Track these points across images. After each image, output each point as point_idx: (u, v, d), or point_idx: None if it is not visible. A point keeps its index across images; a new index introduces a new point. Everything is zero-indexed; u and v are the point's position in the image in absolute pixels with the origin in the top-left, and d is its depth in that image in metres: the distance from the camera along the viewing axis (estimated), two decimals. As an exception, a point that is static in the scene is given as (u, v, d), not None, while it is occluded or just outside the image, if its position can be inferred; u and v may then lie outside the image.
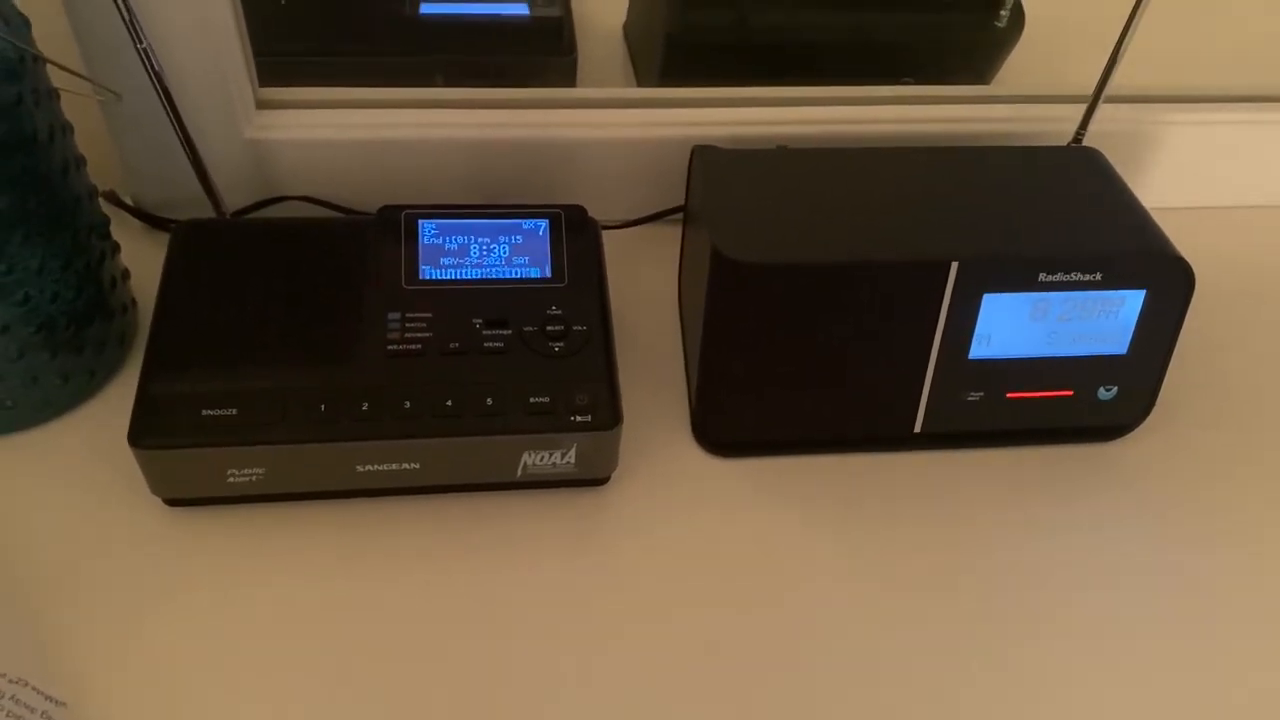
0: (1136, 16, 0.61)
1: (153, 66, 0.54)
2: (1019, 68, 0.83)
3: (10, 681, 0.47)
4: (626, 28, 0.85)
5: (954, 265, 0.57)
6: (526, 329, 0.58)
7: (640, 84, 0.82)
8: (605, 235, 0.63)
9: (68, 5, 0.57)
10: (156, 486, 0.55)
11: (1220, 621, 0.57)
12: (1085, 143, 0.69)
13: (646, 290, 0.71)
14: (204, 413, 0.53)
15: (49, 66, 0.52)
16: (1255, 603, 0.58)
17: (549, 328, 0.58)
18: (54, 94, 0.53)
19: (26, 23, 0.51)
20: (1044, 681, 0.53)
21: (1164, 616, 0.57)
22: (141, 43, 0.53)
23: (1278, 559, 0.60)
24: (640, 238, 0.73)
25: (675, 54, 0.73)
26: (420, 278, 0.59)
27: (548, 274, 0.61)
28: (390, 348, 0.56)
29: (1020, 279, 0.58)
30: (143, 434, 0.52)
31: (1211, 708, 0.53)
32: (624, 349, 0.66)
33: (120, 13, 0.52)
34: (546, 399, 0.56)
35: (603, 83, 0.83)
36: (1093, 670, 0.54)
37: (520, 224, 0.62)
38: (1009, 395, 0.62)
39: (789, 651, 0.54)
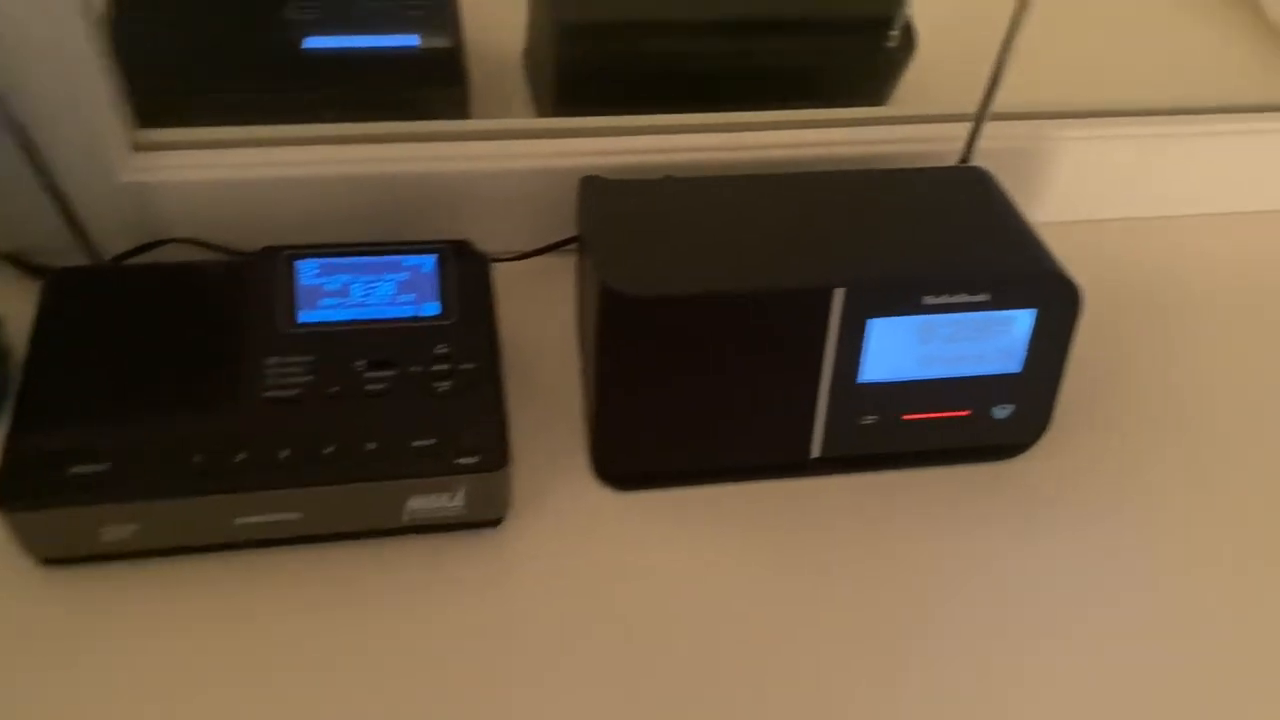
0: (1012, 37, 0.61)
1: (8, 114, 0.52)
2: (916, 88, 0.83)
3: None
4: (525, 55, 0.84)
5: (838, 292, 0.57)
6: (412, 369, 0.57)
7: (538, 113, 0.81)
8: (501, 268, 0.63)
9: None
10: (29, 547, 0.53)
11: (1121, 629, 0.57)
12: (975, 162, 0.69)
13: (546, 323, 0.70)
14: (72, 470, 0.51)
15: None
16: (1153, 611, 0.58)
17: (435, 367, 0.57)
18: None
19: None
20: (954, 698, 0.53)
21: (1067, 628, 0.57)
22: (-6, 90, 0.52)
23: (1175, 567, 0.60)
24: (538, 270, 0.72)
25: (567, 83, 0.73)
26: (299, 320, 0.58)
27: (435, 311, 0.59)
28: (267, 394, 0.55)
29: (904, 303, 0.58)
30: (8, 495, 0.50)
31: (1120, 716, 0.53)
32: (521, 384, 0.66)
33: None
34: (432, 441, 0.55)
35: (502, 112, 0.82)
36: (1001, 684, 0.54)
37: (404, 260, 0.61)
38: (904, 417, 0.62)
39: (696, 686, 0.53)
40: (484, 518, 0.58)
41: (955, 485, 0.64)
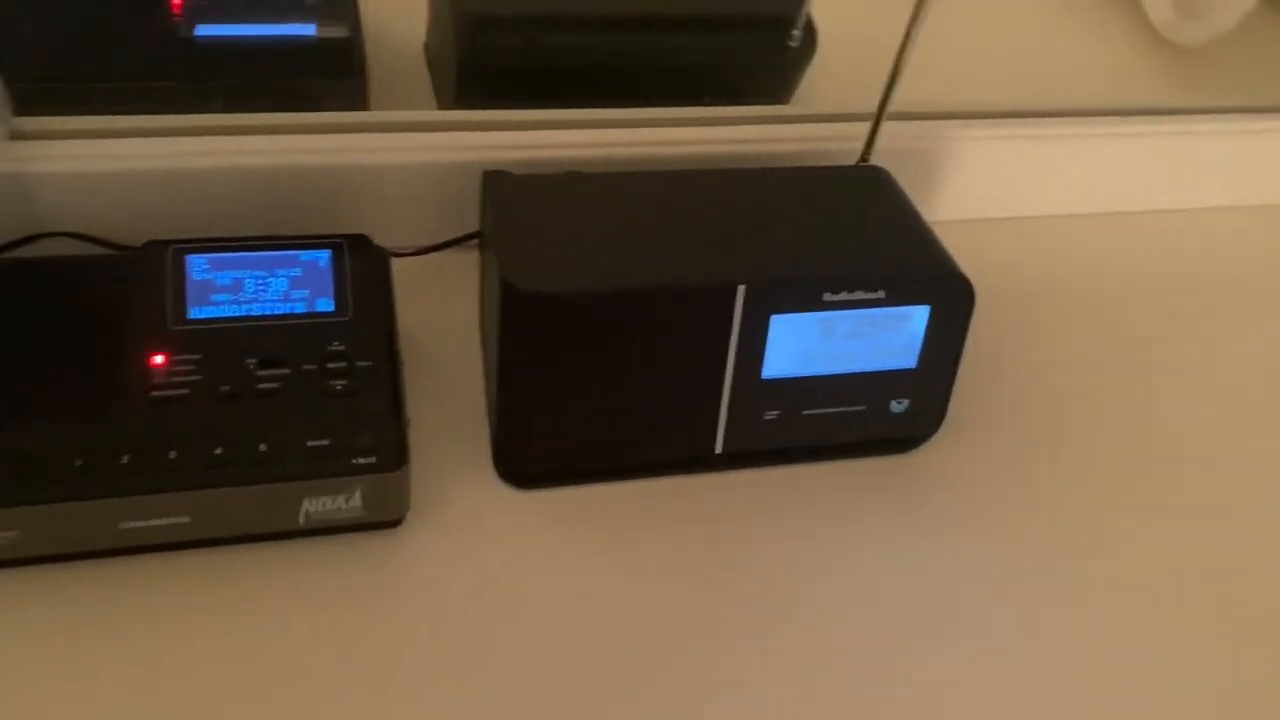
0: (909, 39, 0.62)
1: None
2: (818, 88, 0.84)
3: None
4: (426, 47, 0.83)
5: (741, 288, 0.57)
6: (306, 367, 0.55)
7: (440, 105, 0.80)
8: (401, 264, 0.62)
9: None
10: (-107, 557, 0.50)
11: (1018, 619, 0.58)
12: (874, 161, 0.70)
13: (447, 319, 0.69)
14: (-57, 475, 0.49)
15: None
16: (1048, 598, 0.60)
17: (330, 365, 0.56)
18: None
19: None
20: (858, 692, 0.54)
21: (965, 618, 0.58)
22: None
23: (1069, 555, 0.62)
24: (438, 265, 0.71)
25: (470, 76, 0.72)
26: (189, 317, 0.56)
27: (330, 308, 0.58)
28: (154, 394, 0.53)
29: (806, 299, 0.58)
30: None
31: (1018, 706, 0.55)
32: (423, 381, 0.65)
33: None
34: (326, 441, 0.53)
35: (402, 105, 0.80)
36: (902, 674, 0.55)
37: (299, 255, 0.59)
38: (805, 412, 0.62)
39: (601, 687, 0.53)
40: (382, 519, 0.56)
41: (853, 478, 0.65)
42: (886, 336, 0.61)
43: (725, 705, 0.53)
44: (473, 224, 0.71)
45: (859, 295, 0.59)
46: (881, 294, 0.59)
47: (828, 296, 0.58)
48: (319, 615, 0.54)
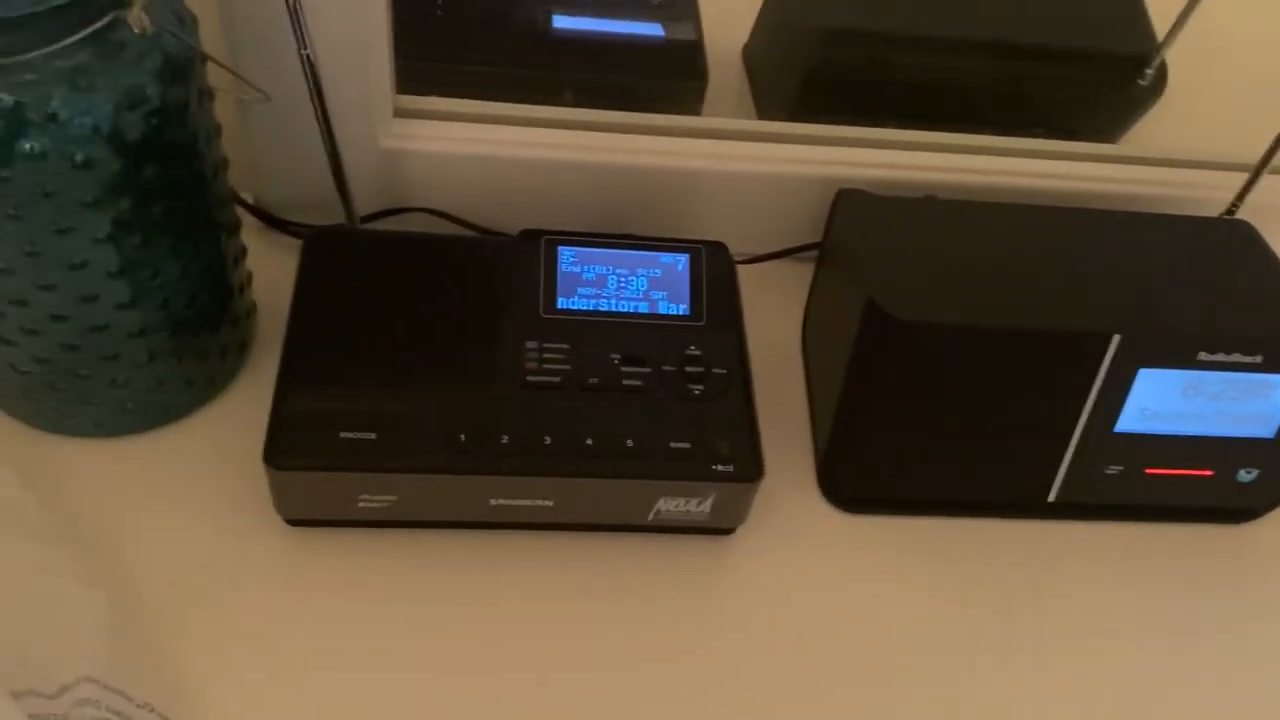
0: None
1: (313, 73, 0.52)
2: (1142, 130, 0.81)
3: (138, 706, 0.46)
4: (747, 52, 0.83)
5: (1115, 338, 0.55)
6: (665, 368, 0.56)
7: (760, 111, 0.80)
8: (731, 270, 0.62)
9: (223, 3, 0.56)
10: (282, 506, 0.53)
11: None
12: (1236, 215, 0.67)
13: (765, 328, 0.69)
14: (342, 435, 0.51)
15: (208, 66, 0.51)
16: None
17: (688, 368, 0.57)
18: (212, 95, 0.51)
19: (195, 21, 0.50)
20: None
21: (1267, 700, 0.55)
22: (305, 48, 0.52)
23: None
24: (763, 274, 0.71)
25: (812, 89, 0.71)
26: (558, 306, 0.57)
27: (685, 311, 0.59)
28: (529, 379, 0.55)
29: (1179, 356, 0.56)
30: (279, 453, 0.51)
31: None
32: (752, 391, 0.65)
33: (291, 18, 0.50)
34: (687, 444, 0.54)
35: (719, 108, 0.81)
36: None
37: (659, 257, 0.60)
38: (1148, 471, 0.60)
39: (904, 714, 0.52)
40: (723, 525, 0.57)
41: (1184, 543, 0.62)
42: (1250, 403, 0.58)
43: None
44: (798, 237, 0.71)
45: (1235, 358, 0.56)
46: (1259, 359, 0.56)
47: (1202, 355, 0.56)
48: (652, 609, 0.55)
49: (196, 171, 0.51)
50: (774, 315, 0.70)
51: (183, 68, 0.47)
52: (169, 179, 0.48)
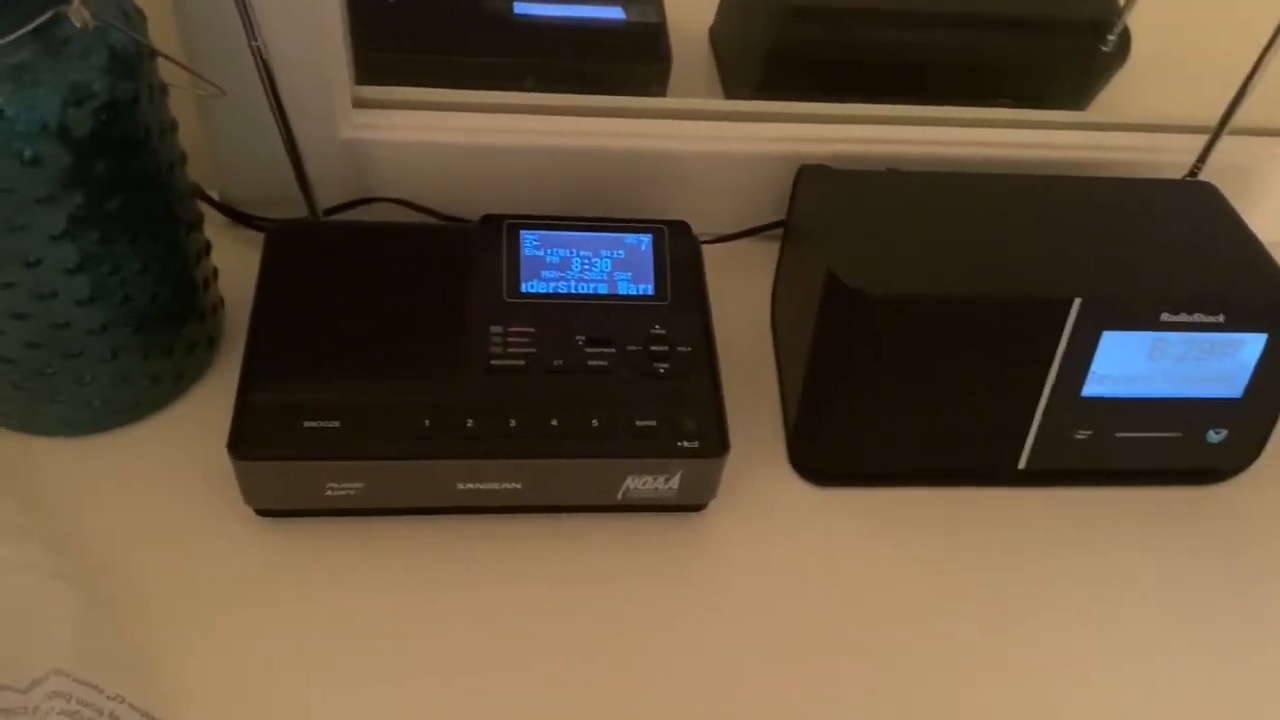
0: (1272, 47, 0.59)
1: (265, 64, 0.53)
2: (1109, 95, 0.81)
3: (108, 698, 0.46)
4: (713, 34, 0.83)
5: (1076, 301, 0.55)
6: (630, 348, 0.56)
7: (727, 92, 0.80)
8: (698, 250, 0.62)
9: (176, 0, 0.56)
10: (251, 496, 0.54)
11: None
12: (1199, 176, 0.67)
13: (734, 307, 0.69)
14: (306, 424, 0.51)
15: (160, 61, 0.51)
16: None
17: (653, 348, 0.57)
18: (165, 90, 0.52)
19: (143, 16, 0.50)
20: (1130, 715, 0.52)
21: (1255, 656, 0.56)
22: (255, 39, 0.52)
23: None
24: (731, 253, 0.71)
25: (776, 67, 0.72)
26: (521, 290, 0.58)
27: (650, 291, 0.59)
28: (493, 362, 0.55)
29: (1143, 317, 0.56)
30: (243, 443, 0.51)
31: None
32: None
33: (239, 9, 0.50)
34: (653, 423, 0.54)
35: (686, 89, 0.81)
36: (1180, 709, 0.53)
37: (623, 238, 0.60)
38: (1117, 435, 0.60)
39: (881, 686, 0.53)
40: (692, 502, 0.57)
41: (1155, 506, 0.62)
42: (1216, 363, 0.58)
43: (994, 713, 0.52)
44: (766, 215, 0.71)
45: (1198, 318, 0.56)
46: (1221, 318, 0.56)
47: (1165, 316, 0.56)
48: (624, 588, 0.55)
49: (151, 166, 0.51)
50: (743, 293, 0.70)
51: (130, 63, 0.47)
52: (123, 174, 0.48)
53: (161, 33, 0.53)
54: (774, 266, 0.69)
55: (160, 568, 0.53)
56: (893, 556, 0.58)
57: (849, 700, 0.52)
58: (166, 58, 0.51)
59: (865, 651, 0.54)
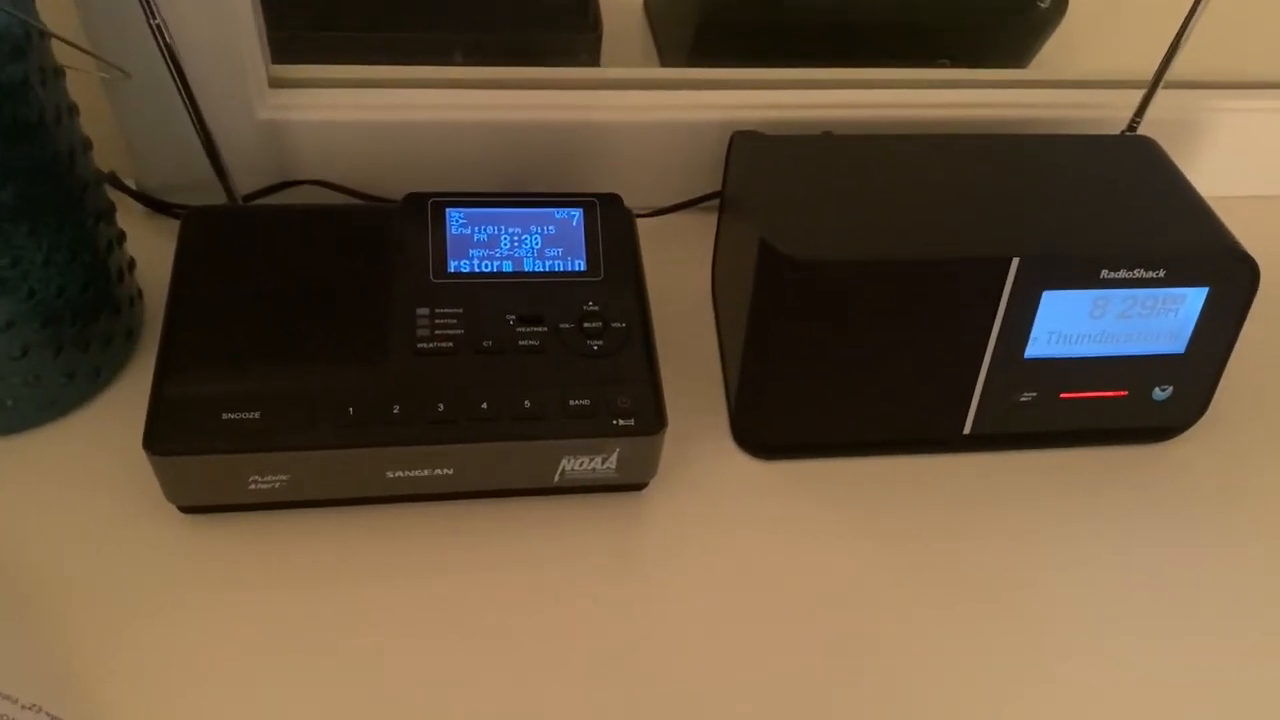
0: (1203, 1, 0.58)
1: (166, 44, 0.50)
2: (1051, 52, 0.80)
3: (24, 708, 0.44)
4: (647, 3, 0.81)
5: (1015, 261, 0.54)
6: (563, 326, 0.55)
7: (664, 61, 0.78)
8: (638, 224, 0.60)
9: (72, -24, 0.53)
10: (172, 493, 0.52)
11: (1269, 623, 0.55)
12: (1138, 131, 0.66)
13: (675, 281, 0.67)
14: (224, 416, 0.50)
15: (55, 43, 0.49)
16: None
17: (586, 325, 0.55)
18: (60, 73, 0.49)
19: (31, -5, 0.47)
20: (1087, 683, 0.51)
21: (1212, 618, 0.55)
22: (155, 18, 0.50)
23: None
24: (670, 226, 0.70)
25: (708, 33, 0.70)
26: (449, 270, 0.56)
27: (582, 267, 0.57)
28: (420, 345, 0.53)
29: (1082, 276, 0.55)
30: (159, 439, 0.49)
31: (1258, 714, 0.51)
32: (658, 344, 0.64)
33: (133, -14, 0.48)
34: (587, 401, 0.53)
35: (623, 60, 0.79)
36: (1138, 672, 0.52)
37: (553, 213, 0.58)
38: (1062, 396, 0.59)
39: (832, 658, 0.52)
40: (633, 481, 0.56)
41: (1104, 466, 0.61)
42: (1158, 319, 0.57)
43: (949, 683, 0.51)
44: (706, 185, 0.69)
45: (1137, 274, 0.55)
46: (1161, 273, 0.56)
47: (1105, 274, 0.55)
48: (571, 571, 0.54)
49: (48, 153, 0.48)
50: (684, 267, 0.68)
51: (17, 44, 0.45)
52: (16, 161, 0.46)
53: (61, 13, 0.51)
54: (714, 238, 0.67)
55: (80, 571, 0.51)
56: (839, 528, 0.57)
57: (800, 677, 0.51)
58: (58, 38, 0.48)
59: (815, 626, 0.53)
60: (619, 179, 0.68)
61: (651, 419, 0.53)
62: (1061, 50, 0.78)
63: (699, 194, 0.69)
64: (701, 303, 0.67)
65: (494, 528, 0.54)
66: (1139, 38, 0.69)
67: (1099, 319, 0.57)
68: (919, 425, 0.60)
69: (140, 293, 0.60)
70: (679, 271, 0.68)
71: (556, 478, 0.54)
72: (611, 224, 0.59)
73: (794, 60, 0.69)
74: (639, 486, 0.57)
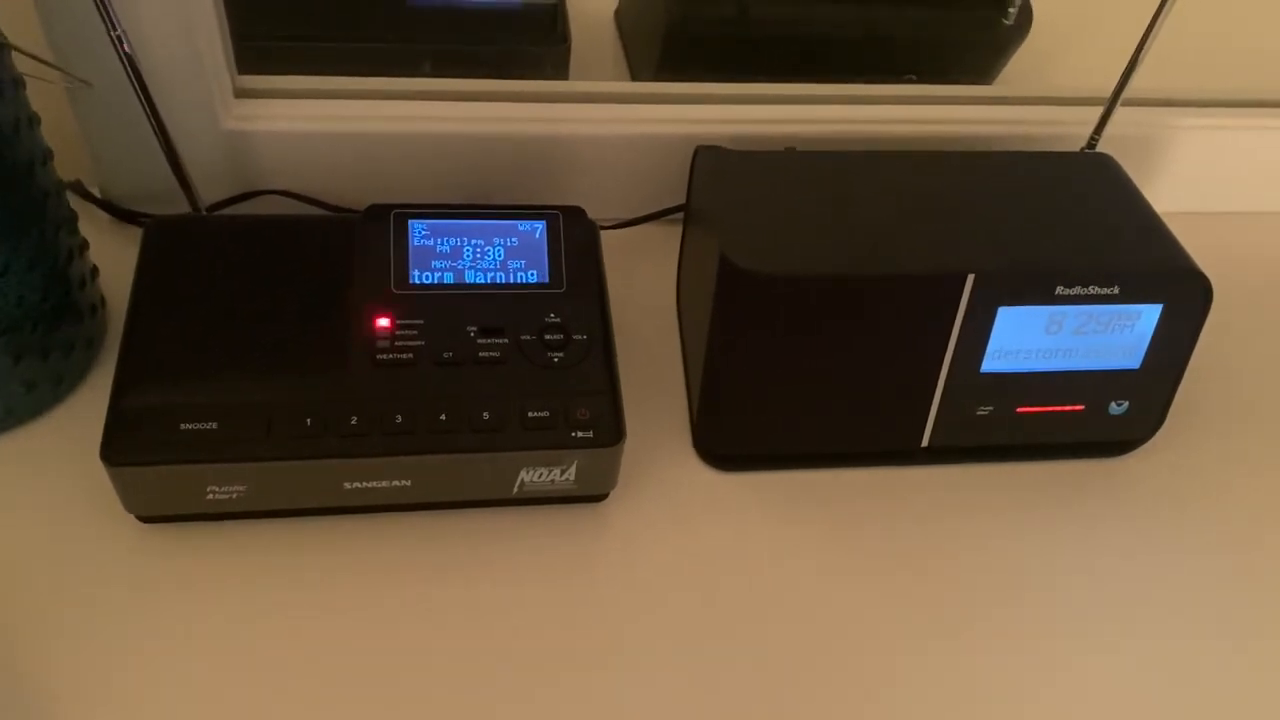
0: (1160, 19, 0.59)
1: (126, 54, 0.50)
2: (1018, 69, 0.81)
3: (-27, 719, 0.44)
4: (619, 15, 0.82)
5: (970, 277, 0.55)
6: (524, 337, 0.55)
7: (634, 75, 0.79)
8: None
9: (34, -14, 0.53)
10: (130, 503, 0.52)
11: (1227, 631, 0.56)
12: (1097, 148, 0.67)
13: (641, 293, 0.68)
14: (182, 427, 0.50)
15: (14, 53, 0.49)
16: (1259, 613, 0.56)
17: (547, 336, 0.55)
18: (20, 83, 0.49)
19: (-11, 6, 0.47)
20: (1047, 694, 0.52)
21: (1172, 627, 0.56)
22: (115, 29, 0.50)
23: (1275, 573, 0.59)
24: (635, 238, 0.70)
25: (674, 47, 0.70)
26: (411, 282, 0.56)
27: (545, 279, 0.58)
28: (380, 357, 0.53)
29: (1037, 292, 0.56)
30: (116, 449, 0.49)
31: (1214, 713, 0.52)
32: (619, 355, 0.64)
33: (93, -2, 0.48)
34: (546, 413, 0.53)
35: (593, 73, 0.80)
36: (1098, 684, 0.53)
37: (516, 225, 0.59)
38: (1019, 410, 0.60)
39: (793, 671, 0.52)
40: (592, 492, 0.56)
41: (1061, 480, 0.62)
42: (1113, 335, 0.58)
43: (907, 693, 0.52)
44: (671, 199, 0.70)
45: (1092, 290, 0.56)
46: (1115, 290, 0.56)
47: (1060, 290, 0.56)
48: (529, 583, 0.54)
49: (8, 163, 0.49)
50: (648, 280, 0.69)
51: (-26, 55, 0.45)
52: (-28, 172, 0.46)
53: (20, 23, 0.51)
54: (679, 250, 0.68)
55: (37, 581, 0.51)
56: (799, 540, 0.57)
57: (761, 687, 0.51)
58: (16, 49, 0.48)
59: (775, 637, 0.53)
60: (585, 191, 0.68)
61: (610, 430, 0.53)
62: (1027, 67, 0.79)
63: (665, 207, 0.69)
64: (666, 314, 0.67)
65: (453, 539, 0.55)
66: (1104, 55, 0.70)
67: (1055, 335, 0.57)
68: (878, 438, 0.60)
69: (103, 301, 0.60)
70: (645, 283, 0.68)
71: (515, 489, 0.54)
72: (574, 236, 0.59)
73: (761, 75, 0.70)
74: (599, 498, 0.57)
